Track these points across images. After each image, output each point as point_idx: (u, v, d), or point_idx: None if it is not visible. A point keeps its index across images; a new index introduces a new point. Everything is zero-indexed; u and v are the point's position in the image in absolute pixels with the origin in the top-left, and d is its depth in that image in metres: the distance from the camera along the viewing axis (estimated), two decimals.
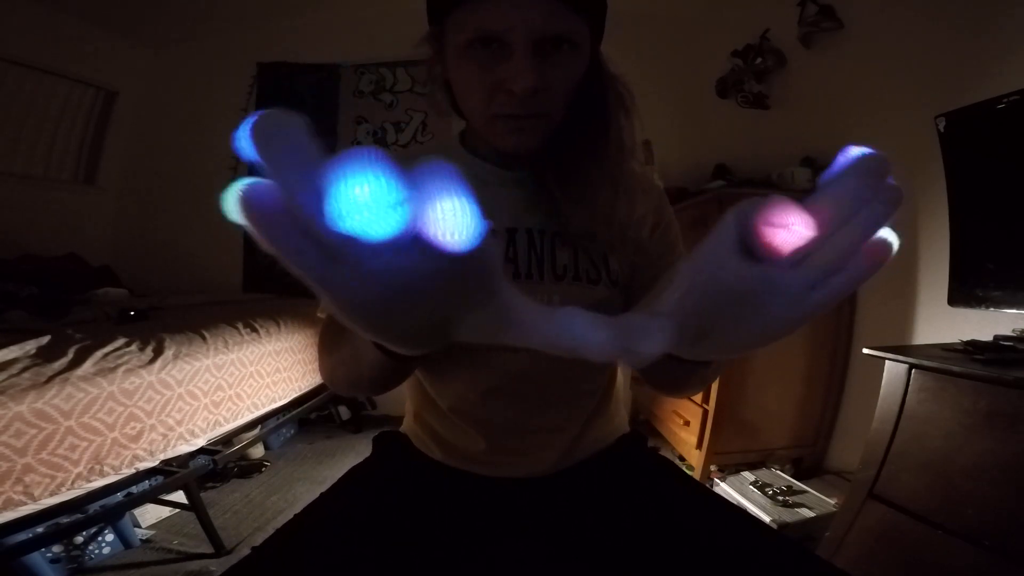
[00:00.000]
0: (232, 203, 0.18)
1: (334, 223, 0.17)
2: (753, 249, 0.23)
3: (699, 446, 1.94)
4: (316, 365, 2.14)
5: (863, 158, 0.23)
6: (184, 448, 1.48)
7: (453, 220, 0.18)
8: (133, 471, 1.32)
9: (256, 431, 1.87)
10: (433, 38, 0.55)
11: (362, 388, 0.51)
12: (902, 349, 1.20)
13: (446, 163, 0.19)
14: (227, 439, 1.67)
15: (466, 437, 0.61)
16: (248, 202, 0.18)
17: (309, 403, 2.15)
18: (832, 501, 1.61)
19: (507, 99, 0.49)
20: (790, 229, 0.22)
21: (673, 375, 0.46)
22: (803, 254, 0.22)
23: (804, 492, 1.70)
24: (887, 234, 0.24)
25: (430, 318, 0.25)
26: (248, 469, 2.05)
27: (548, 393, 0.59)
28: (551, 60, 0.48)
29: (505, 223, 0.58)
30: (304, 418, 2.40)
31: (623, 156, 0.56)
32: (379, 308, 0.22)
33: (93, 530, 1.42)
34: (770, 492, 1.69)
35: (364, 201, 0.17)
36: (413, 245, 0.19)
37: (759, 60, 2.23)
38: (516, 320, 0.25)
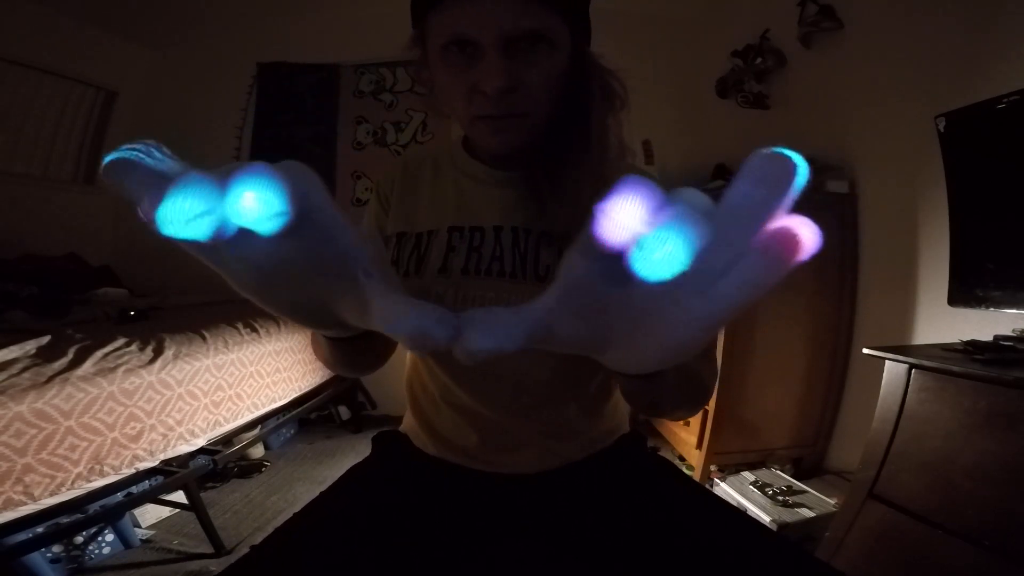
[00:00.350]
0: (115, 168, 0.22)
1: (159, 229, 0.21)
2: (588, 247, 0.22)
3: (699, 446, 1.94)
4: (316, 365, 2.16)
5: (759, 162, 0.19)
6: (184, 448, 1.48)
7: (251, 208, 0.21)
8: (133, 471, 1.32)
9: (256, 431, 1.87)
10: (417, 41, 0.55)
11: (337, 367, 0.53)
12: (902, 349, 1.20)
13: (258, 163, 0.21)
14: (227, 439, 1.67)
15: (458, 430, 0.61)
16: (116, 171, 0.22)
17: (309, 403, 2.15)
18: (832, 501, 1.61)
19: (483, 100, 0.49)
20: (620, 220, 0.19)
21: (630, 391, 0.43)
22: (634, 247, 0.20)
23: (804, 492, 1.70)
24: (801, 225, 0.19)
25: (302, 299, 0.28)
26: (248, 469, 2.05)
27: (536, 389, 0.59)
28: (525, 59, 0.48)
29: (494, 221, 0.58)
30: (304, 418, 2.40)
31: (607, 154, 0.56)
32: (253, 287, 0.27)
33: (93, 530, 1.42)
34: (770, 492, 1.69)
35: (175, 213, 0.20)
36: (243, 236, 0.22)
37: (759, 60, 2.23)
38: (372, 308, 0.26)
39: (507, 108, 0.49)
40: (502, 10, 0.46)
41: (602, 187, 0.59)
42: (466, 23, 0.46)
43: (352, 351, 0.45)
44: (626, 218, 0.19)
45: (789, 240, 0.19)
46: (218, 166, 0.22)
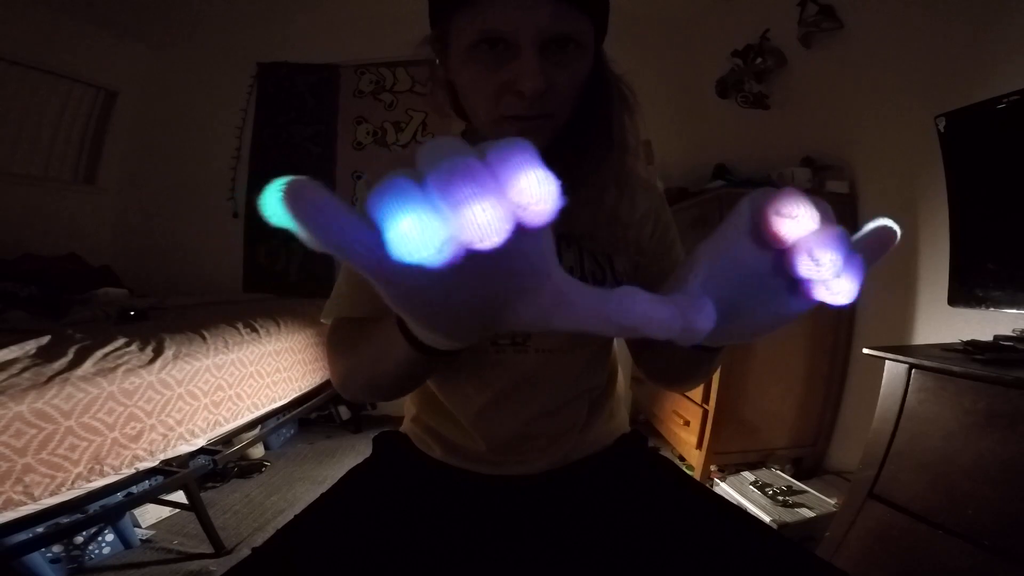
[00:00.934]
0: (275, 201, 0.18)
1: (397, 259, 0.18)
2: (762, 236, 0.26)
3: (699, 446, 1.94)
4: (316, 365, 2.16)
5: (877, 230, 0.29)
6: (184, 448, 1.48)
7: (483, 226, 0.18)
8: (133, 471, 1.32)
9: (256, 431, 1.87)
10: (436, 40, 0.54)
11: (381, 390, 0.49)
12: (902, 349, 1.20)
13: (470, 159, 0.18)
14: (227, 439, 1.67)
15: (467, 438, 0.61)
16: (295, 196, 0.18)
17: (309, 403, 2.15)
18: (832, 501, 1.61)
19: (515, 100, 0.48)
20: (796, 219, 0.24)
21: (686, 363, 0.48)
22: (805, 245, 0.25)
23: (804, 492, 1.70)
24: (887, 221, 0.28)
25: (485, 305, 0.26)
26: (248, 469, 2.05)
27: (552, 394, 0.59)
28: (557, 60, 0.48)
29: None
30: (304, 418, 2.40)
31: (626, 156, 0.56)
32: (437, 296, 0.24)
33: (93, 530, 1.42)
34: (770, 492, 1.69)
35: (415, 243, 0.18)
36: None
37: (759, 60, 2.23)
38: (569, 302, 0.25)
39: (538, 109, 0.49)
40: (540, 10, 0.45)
41: (623, 188, 0.60)
42: (502, 21, 0.45)
43: (436, 367, 0.46)
44: (804, 218, 0.24)
45: (888, 234, 0.28)
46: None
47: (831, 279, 0.25)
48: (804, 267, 0.25)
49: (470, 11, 0.47)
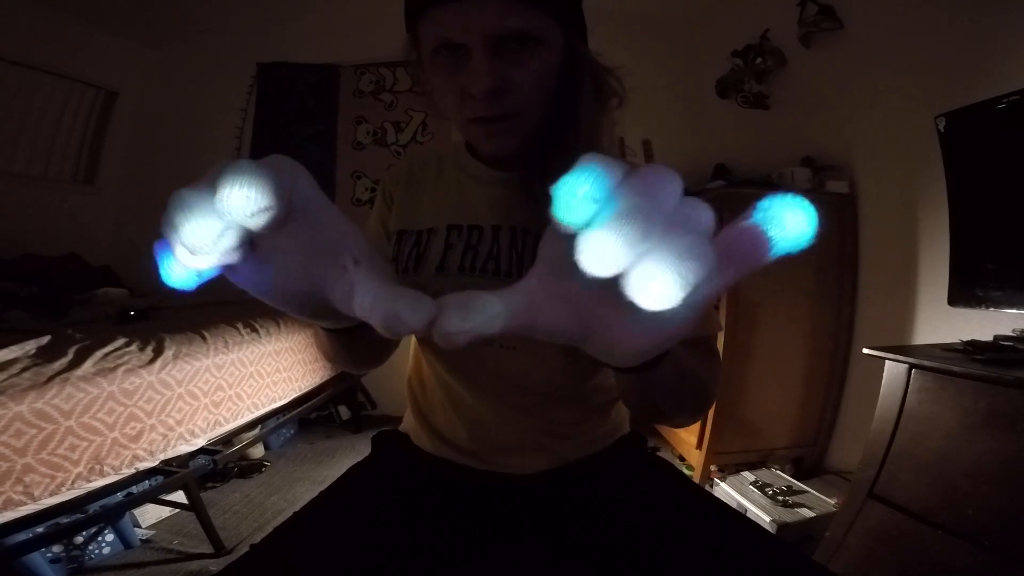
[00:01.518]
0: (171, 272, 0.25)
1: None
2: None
3: (699, 446, 1.94)
4: (316, 365, 2.16)
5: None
6: (184, 448, 1.48)
7: (238, 206, 0.22)
8: (133, 471, 1.32)
9: (256, 431, 1.88)
10: (412, 45, 0.55)
11: (338, 361, 0.56)
12: (902, 349, 1.20)
13: (241, 160, 0.23)
14: (227, 439, 1.67)
15: (457, 429, 0.61)
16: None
17: (309, 403, 2.15)
18: (832, 501, 1.61)
19: (474, 103, 0.49)
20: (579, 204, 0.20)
21: (623, 388, 0.44)
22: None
23: (804, 492, 1.70)
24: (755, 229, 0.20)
25: (300, 289, 0.29)
26: (248, 469, 2.05)
27: (544, 390, 0.59)
28: (514, 59, 0.48)
29: (492, 221, 0.58)
30: (304, 418, 2.40)
31: (597, 152, 0.55)
32: (250, 288, 0.29)
33: (93, 530, 1.42)
34: (770, 492, 1.69)
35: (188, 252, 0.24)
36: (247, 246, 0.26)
37: (759, 60, 2.23)
38: (356, 292, 0.25)
39: (499, 110, 0.49)
40: (486, 11, 0.45)
41: None
42: (451, 26, 0.46)
43: (351, 342, 0.46)
44: (585, 202, 0.20)
45: (760, 238, 0.20)
46: (214, 167, 0.23)
47: (636, 276, 0.19)
48: (584, 258, 0.20)
49: (427, 18, 0.48)
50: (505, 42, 0.47)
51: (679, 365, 0.38)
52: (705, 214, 0.21)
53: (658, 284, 0.19)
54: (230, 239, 0.23)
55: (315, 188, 0.27)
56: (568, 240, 0.21)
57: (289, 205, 0.24)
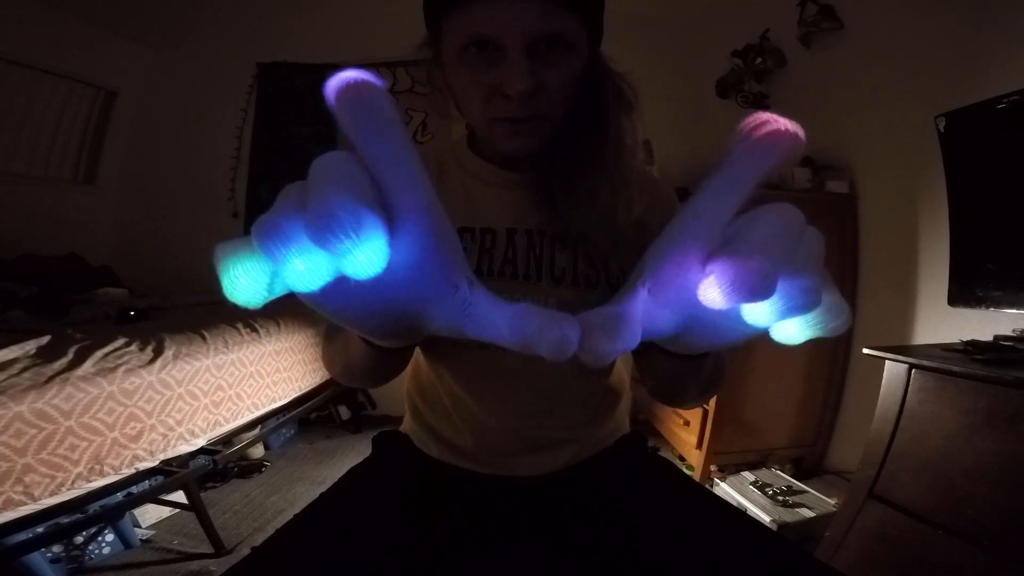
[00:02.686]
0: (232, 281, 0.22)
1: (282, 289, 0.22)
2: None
3: (699, 446, 1.94)
4: (316, 365, 2.16)
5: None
6: (184, 448, 1.48)
7: (359, 261, 0.20)
8: (133, 471, 1.32)
9: (256, 431, 1.87)
10: (431, 42, 0.54)
11: (355, 377, 0.52)
12: (902, 349, 1.20)
13: (362, 211, 0.21)
14: (227, 439, 1.67)
15: (460, 435, 0.61)
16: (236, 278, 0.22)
17: (309, 403, 2.15)
18: (832, 501, 1.61)
19: (504, 103, 0.48)
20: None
21: (672, 375, 0.46)
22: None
23: (804, 492, 1.70)
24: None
25: (389, 317, 0.27)
26: (248, 469, 2.05)
27: (539, 394, 0.59)
28: (546, 61, 0.47)
29: (506, 223, 0.57)
30: (304, 418, 2.40)
31: (623, 156, 0.55)
32: (333, 314, 0.26)
33: (93, 530, 1.42)
34: (770, 492, 1.69)
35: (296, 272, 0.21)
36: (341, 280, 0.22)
37: (759, 60, 2.23)
38: (473, 315, 0.26)
39: (529, 110, 0.49)
40: (526, 12, 0.45)
41: (619, 189, 0.59)
42: (488, 24, 0.45)
43: (393, 360, 0.46)
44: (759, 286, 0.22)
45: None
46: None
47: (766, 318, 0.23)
48: (707, 296, 0.23)
49: (458, 14, 0.47)
50: (538, 44, 0.47)
51: (719, 352, 0.40)
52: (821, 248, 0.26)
53: (795, 329, 0.23)
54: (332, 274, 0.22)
55: (434, 202, 0.25)
56: (693, 263, 0.25)
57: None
